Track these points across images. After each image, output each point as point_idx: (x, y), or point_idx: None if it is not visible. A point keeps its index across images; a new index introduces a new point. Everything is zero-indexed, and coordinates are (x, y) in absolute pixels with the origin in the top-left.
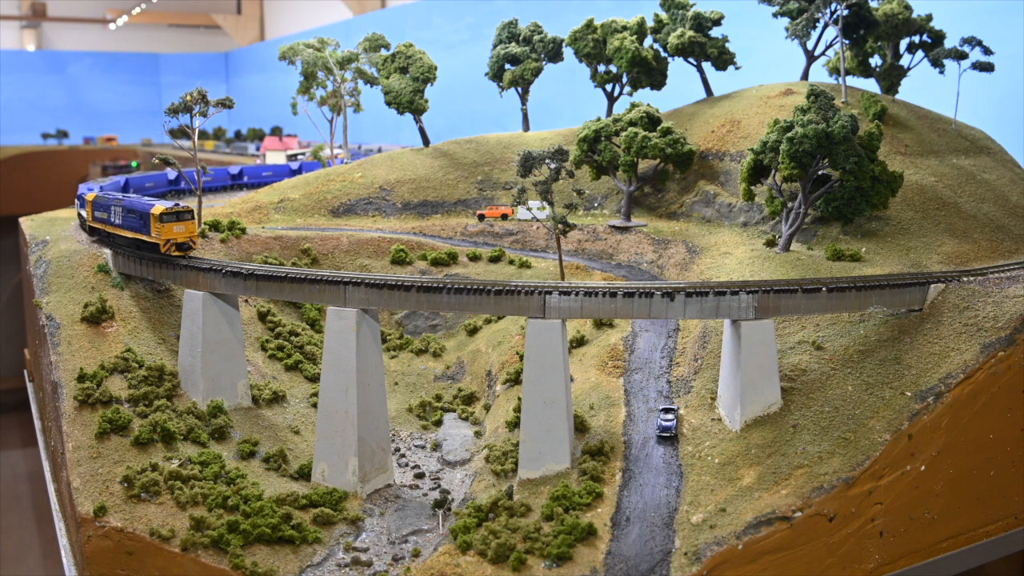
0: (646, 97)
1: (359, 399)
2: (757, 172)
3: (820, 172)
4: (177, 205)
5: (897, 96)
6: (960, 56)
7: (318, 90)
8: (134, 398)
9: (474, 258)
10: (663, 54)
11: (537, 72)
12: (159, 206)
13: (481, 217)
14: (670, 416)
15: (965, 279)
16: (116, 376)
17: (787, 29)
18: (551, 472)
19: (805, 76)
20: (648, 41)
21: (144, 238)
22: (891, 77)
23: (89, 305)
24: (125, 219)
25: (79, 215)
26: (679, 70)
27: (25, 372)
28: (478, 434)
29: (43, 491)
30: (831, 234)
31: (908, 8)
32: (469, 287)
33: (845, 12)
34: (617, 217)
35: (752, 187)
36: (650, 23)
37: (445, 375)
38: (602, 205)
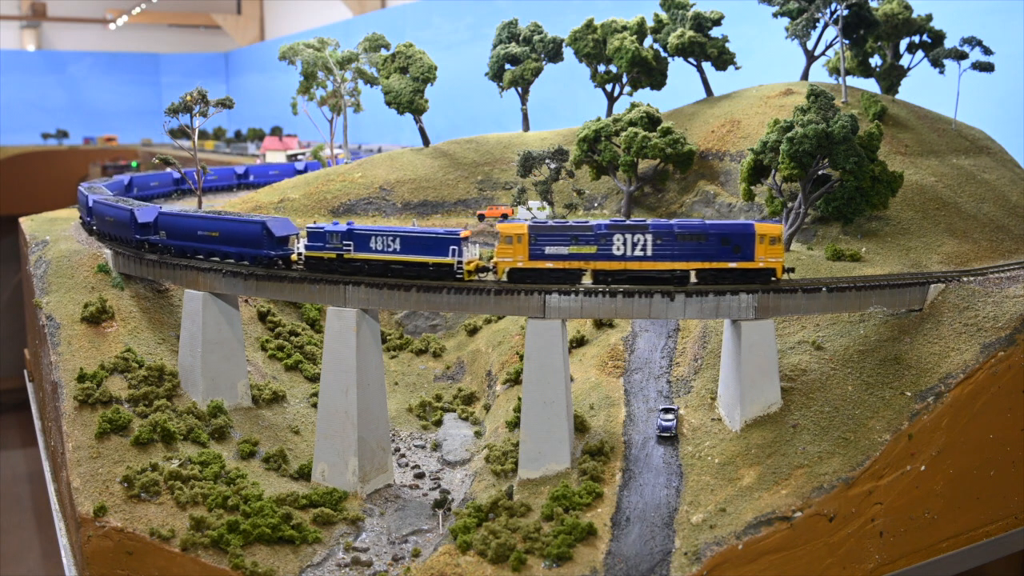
0: (646, 97)
1: (359, 399)
2: (757, 172)
3: (820, 172)
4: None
5: (897, 96)
6: (960, 56)
7: (318, 90)
8: (134, 398)
9: None
10: (663, 54)
11: (537, 72)
12: (768, 225)
13: (481, 217)
14: (670, 416)
15: (965, 279)
16: (116, 376)
17: (787, 29)
18: (551, 472)
19: (805, 76)
20: (648, 41)
21: (737, 266)
22: (891, 77)
23: (89, 305)
24: (660, 245)
25: (319, 254)
26: (679, 70)
27: (25, 372)
28: (478, 434)
29: (43, 491)
30: (831, 234)
31: (908, 8)
32: (469, 287)
33: (845, 12)
34: (617, 217)
35: (752, 187)
36: (650, 23)
37: (445, 375)
38: (602, 205)
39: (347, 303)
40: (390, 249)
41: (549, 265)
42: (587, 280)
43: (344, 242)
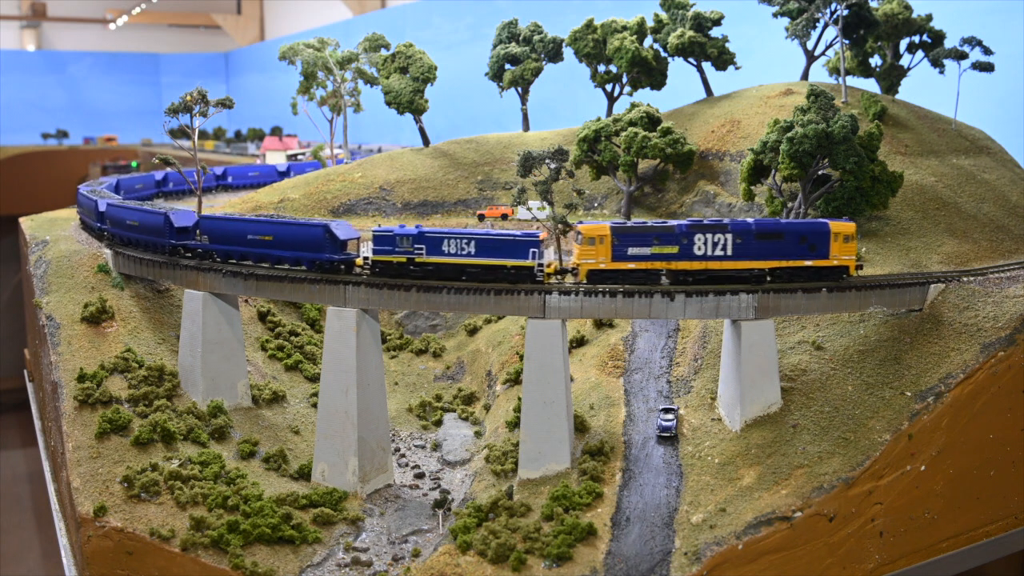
0: (646, 97)
1: (359, 399)
2: (757, 172)
3: (820, 172)
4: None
5: (897, 96)
6: (960, 56)
7: (318, 90)
8: (134, 398)
9: None
10: (663, 54)
11: (537, 72)
12: (842, 223)
13: (481, 217)
14: (670, 416)
15: (965, 279)
16: (116, 376)
17: (787, 29)
18: (551, 472)
19: (805, 76)
20: (648, 41)
21: (813, 263)
22: (891, 77)
23: (89, 305)
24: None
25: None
26: (679, 70)
27: (25, 372)
28: (478, 434)
29: (43, 491)
30: None
31: (908, 8)
32: (469, 287)
33: (845, 12)
34: (617, 217)
35: (752, 187)
36: (650, 23)
37: (445, 375)
38: (602, 205)
39: (347, 303)
40: (464, 252)
41: (631, 266)
42: (664, 281)
43: (416, 246)
